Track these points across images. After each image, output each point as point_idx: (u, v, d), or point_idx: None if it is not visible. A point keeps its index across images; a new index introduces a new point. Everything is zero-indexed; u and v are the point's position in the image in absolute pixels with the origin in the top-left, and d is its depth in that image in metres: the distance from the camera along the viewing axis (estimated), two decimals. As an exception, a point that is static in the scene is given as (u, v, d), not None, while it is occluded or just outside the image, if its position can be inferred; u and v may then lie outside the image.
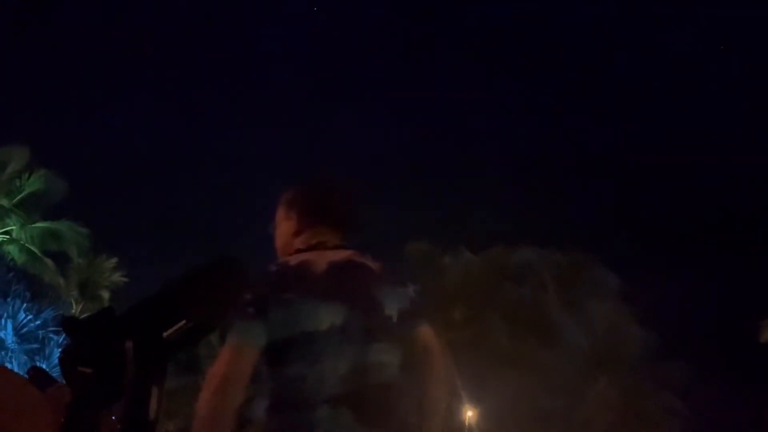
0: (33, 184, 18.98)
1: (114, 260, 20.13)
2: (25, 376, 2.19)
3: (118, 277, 20.21)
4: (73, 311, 17.71)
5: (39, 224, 19.01)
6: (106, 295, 19.78)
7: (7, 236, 18.96)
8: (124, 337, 0.92)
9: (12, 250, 18.61)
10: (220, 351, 1.62)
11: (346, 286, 1.70)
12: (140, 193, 27.44)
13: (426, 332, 1.80)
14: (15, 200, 18.88)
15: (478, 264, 17.96)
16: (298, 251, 1.78)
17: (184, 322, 1.01)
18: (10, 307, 16.39)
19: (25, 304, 16.77)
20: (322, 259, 1.73)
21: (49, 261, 18.73)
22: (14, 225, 18.87)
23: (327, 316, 1.64)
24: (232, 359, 1.59)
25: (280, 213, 1.90)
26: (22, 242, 18.68)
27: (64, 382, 1.03)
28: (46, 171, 18.99)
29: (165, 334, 0.98)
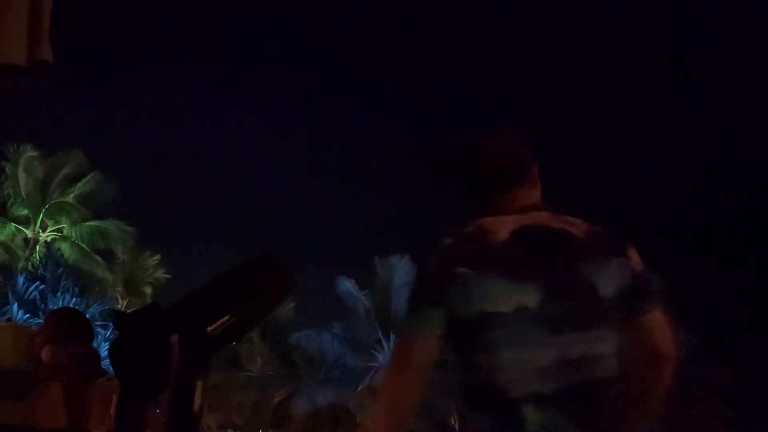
0: (85, 185, 19.62)
1: (157, 257, 20.64)
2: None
3: (160, 274, 20.71)
4: (119, 306, 18.21)
5: (89, 223, 19.63)
6: (148, 291, 20.31)
7: (59, 234, 19.63)
8: (169, 332, 0.94)
9: (64, 247, 19.27)
10: (396, 341, 1.44)
11: (539, 259, 1.37)
12: (184, 192, 28.01)
13: (655, 319, 1.45)
14: (68, 200, 19.54)
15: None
16: (478, 217, 1.45)
17: (227, 317, 1.01)
18: (60, 302, 16.93)
19: (73, 299, 17.30)
20: (505, 225, 1.40)
21: (98, 258, 19.32)
22: (66, 223, 19.53)
23: (512, 296, 1.33)
24: (405, 351, 1.39)
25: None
26: (73, 240, 19.33)
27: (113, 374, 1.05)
28: (97, 173, 19.63)
29: (209, 329, 0.99)
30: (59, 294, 17.60)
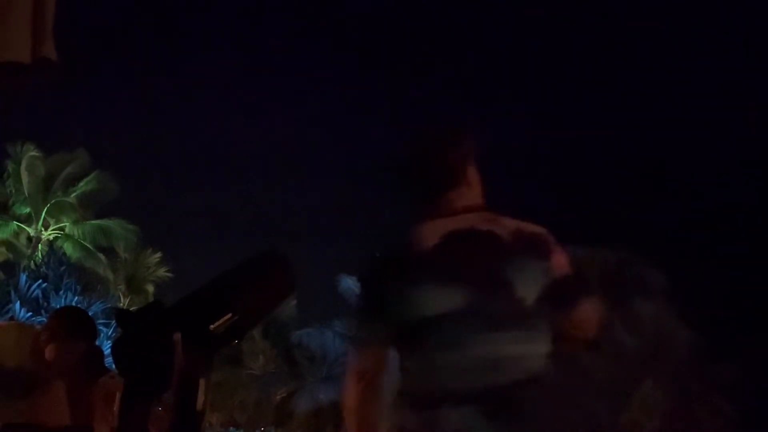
0: (87, 184, 19.68)
1: (159, 255, 20.68)
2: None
3: (162, 272, 20.75)
4: (121, 304, 18.25)
5: (91, 222, 19.67)
6: (151, 289, 20.36)
7: (61, 233, 19.66)
8: (172, 330, 0.94)
9: (66, 245, 19.31)
10: (349, 346, 1.51)
11: (464, 263, 1.39)
12: (185, 190, 28.03)
13: (581, 316, 1.46)
14: (70, 199, 19.58)
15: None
16: (418, 223, 1.48)
17: (230, 315, 1.02)
18: (63, 300, 16.96)
19: (76, 298, 17.33)
20: (437, 230, 1.43)
21: (101, 256, 19.37)
22: (68, 222, 19.57)
23: (438, 301, 1.37)
24: (354, 361, 1.46)
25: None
26: (75, 238, 19.37)
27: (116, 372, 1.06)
28: (99, 172, 19.68)
29: (211, 327, 0.99)
30: (62, 292, 17.62)
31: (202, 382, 0.92)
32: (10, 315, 16.51)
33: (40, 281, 17.77)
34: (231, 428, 21.20)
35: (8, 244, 19.24)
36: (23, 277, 17.71)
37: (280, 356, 21.28)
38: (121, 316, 0.98)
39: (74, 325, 2.32)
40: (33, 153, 19.42)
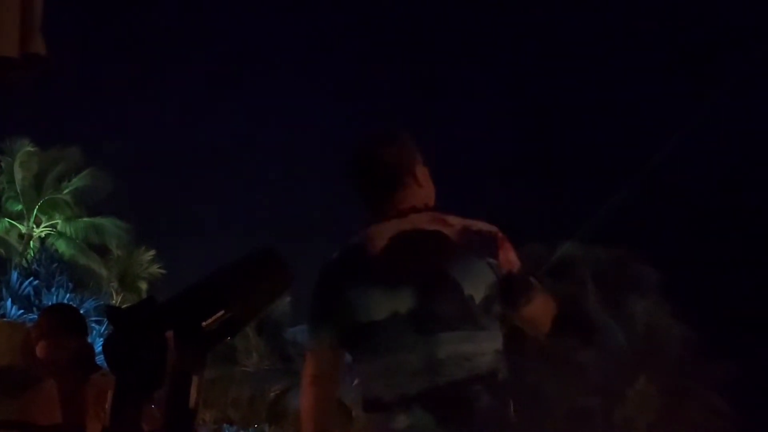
0: (80, 180, 19.58)
1: (152, 252, 20.62)
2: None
3: (155, 269, 20.68)
4: (114, 302, 18.19)
5: (83, 219, 19.59)
6: (144, 286, 20.30)
7: (54, 230, 19.57)
8: (165, 327, 0.93)
9: (59, 243, 19.22)
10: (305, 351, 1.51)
11: (411, 264, 1.39)
12: (178, 187, 27.96)
13: (530, 312, 1.46)
14: (62, 196, 19.49)
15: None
16: (366, 225, 1.48)
17: (222, 312, 1.01)
18: (54, 297, 16.89)
19: (68, 295, 17.26)
20: (384, 232, 1.43)
21: (93, 253, 19.29)
22: (60, 219, 19.48)
23: (386, 303, 1.37)
24: (310, 361, 1.47)
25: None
26: (68, 235, 19.28)
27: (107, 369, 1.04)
28: (92, 169, 19.58)
29: (204, 324, 0.98)
30: (53, 290, 17.55)
31: (194, 379, 0.91)
32: (1, 313, 16.44)
33: (32, 278, 17.69)
34: (225, 425, 21.19)
35: (0, 241, 19.14)
36: (14, 275, 17.63)
37: (275, 353, 21.27)
38: (113, 313, 0.97)
39: (65, 323, 2.30)
40: (28, 148, 19.29)
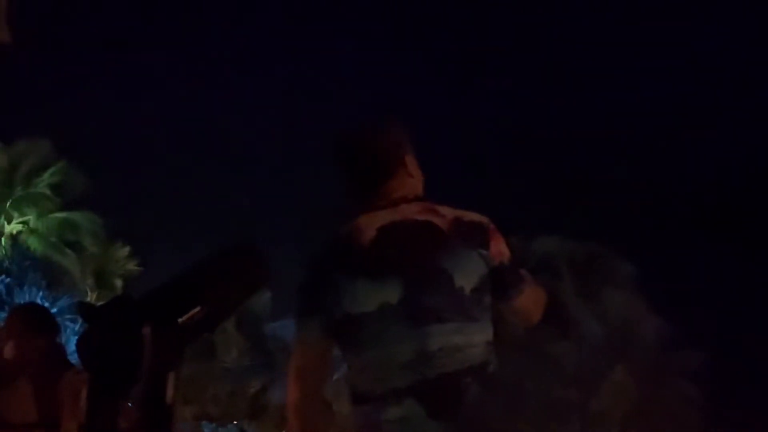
0: (52, 176, 19.22)
1: (127, 249, 20.36)
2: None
3: (132, 266, 20.44)
4: (89, 299, 17.94)
5: (56, 214, 19.25)
6: (119, 283, 20.04)
7: (25, 226, 19.21)
8: (141, 323, 0.92)
9: (31, 239, 18.87)
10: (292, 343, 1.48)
11: (401, 254, 1.37)
12: (154, 182, 27.64)
13: (521, 304, 1.45)
14: (34, 192, 19.12)
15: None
16: (355, 214, 1.46)
17: (199, 308, 1.00)
18: (27, 295, 16.61)
19: (41, 293, 16.98)
20: (374, 222, 1.41)
21: (67, 250, 18.99)
22: (32, 215, 19.12)
23: (376, 294, 1.35)
24: (298, 353, 1.44)
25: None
26: (40, 232, 18.94)
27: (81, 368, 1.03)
28: (64, 163, 19.23)
29: (180, 320, 0.97)
30: (26, 287, 17.25)
31: (171, 375, 0.90)
32: (-27, 311, 16.11)
33: (3, 276, 17.37)
34: (204, 421, 21.06)
35: (-30, 239, 18.74)
36: (-15, 273, 17.29)
37: (255, 348, 21.18)
38: (86, 310, 0.95)
39: (33, 322, 2.29)
40: (-4, 143, 18.90)
